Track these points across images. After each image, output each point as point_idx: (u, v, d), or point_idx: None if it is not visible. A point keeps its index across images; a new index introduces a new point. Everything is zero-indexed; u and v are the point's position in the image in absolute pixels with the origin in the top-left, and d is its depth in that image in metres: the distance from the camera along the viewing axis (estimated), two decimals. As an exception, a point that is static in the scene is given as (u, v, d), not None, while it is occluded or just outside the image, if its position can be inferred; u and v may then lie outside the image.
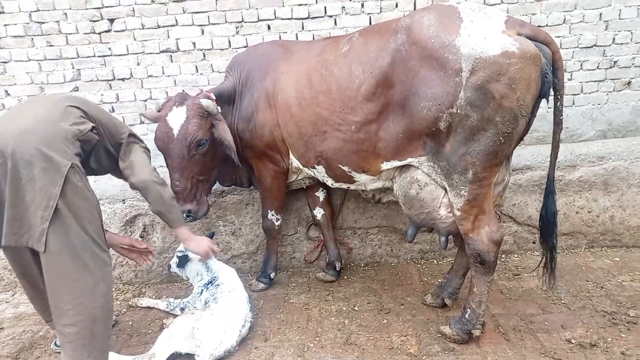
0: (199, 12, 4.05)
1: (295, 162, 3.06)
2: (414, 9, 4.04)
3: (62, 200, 2.04)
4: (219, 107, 2.94)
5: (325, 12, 4.04)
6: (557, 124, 2.38)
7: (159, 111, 2.90)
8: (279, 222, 3.34)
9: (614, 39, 4.04)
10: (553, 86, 2.25)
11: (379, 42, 2.43)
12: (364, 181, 2.80)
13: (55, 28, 4.07)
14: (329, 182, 2.97)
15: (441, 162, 2.34)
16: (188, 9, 4.05)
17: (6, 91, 4.19)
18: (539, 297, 3.00)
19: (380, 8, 4.04)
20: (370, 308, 3.02)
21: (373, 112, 2.44)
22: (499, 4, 4.01)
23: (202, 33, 4.10)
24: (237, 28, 4.10)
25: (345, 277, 3.48)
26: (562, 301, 2.92)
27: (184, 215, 2.79)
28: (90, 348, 2.13)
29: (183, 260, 2.97)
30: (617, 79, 4.12)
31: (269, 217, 3.30)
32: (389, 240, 3.69)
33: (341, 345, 2.63)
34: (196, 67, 4.17)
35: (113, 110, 4.20)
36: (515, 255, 3.60)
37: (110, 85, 4.21)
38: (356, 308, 3.03)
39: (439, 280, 3.19)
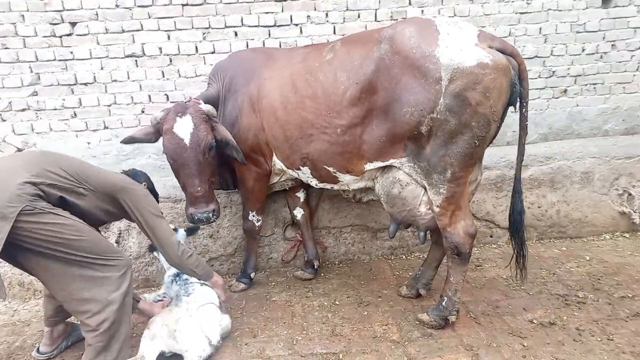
0: (165, 18, 4.07)
1: (279, 164, 3.15)
2: (375, 19, 4.29)
3: (32, 240, 2.13)
4: None
5: (291, 20, 4.19)
6: (523, 129, 2.64)
7: (156, 124, 2.90)
8: (259, 223, 3.44)
9: (552, 51, 4.48)
10: (519, 94, 2.51)
11: (362, 50, 2.60)
12: (348, 181, 2.95)
13: (11, 30, 3.92)
14: (314, 182, 3.10)
15: (422, 163, 2.55)
16: (154, 14, 4.06)
17: (-42, 95, 3.97)
18: (501, 284, 3.28)
19: (344, 18, 4.25)
20: (350, 302, 3.17)
21: (358, 116, 2.60)
22: (452, 16, 4.34)
23: (169, 38, 4.12)
24: (204, 34, 4.16)
25: (322, 274, 3.63)
26: (522, 287, 3.22)
27: (211, 214, 2.95)
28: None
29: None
30: (556, 87, 4.57)
31: (249, 218, 3.39)
32: (361, 238, 3.87)
33: (328, 336, 2.77)
34: (162, 72, 4.18)
35: (75, 115, 4.11)
36: (475, 249, 3.90)
37: (72, 89, 4.11)
38: (337, 302, 3.17)
39: (411, 274, 3.40)
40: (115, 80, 4.15)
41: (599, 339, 2.59)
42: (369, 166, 2.75)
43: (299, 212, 3.59)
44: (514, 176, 2.74)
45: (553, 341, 2.60)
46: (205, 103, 3.03)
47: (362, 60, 2.57)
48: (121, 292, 2.34)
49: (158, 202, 2.81)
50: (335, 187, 3.09)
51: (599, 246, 3.84)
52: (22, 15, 3.92)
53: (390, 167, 2.71)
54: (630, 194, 3.99)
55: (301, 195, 3.58)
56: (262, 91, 3.01)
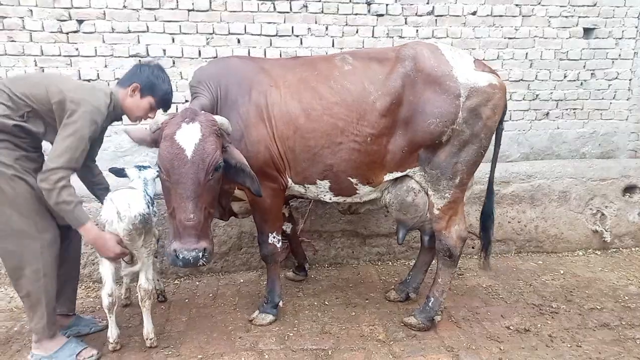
0: (170, 21, 4.20)
1: (287, 179, 2.95)
2: (372, 35, 4.50)
3: None
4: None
5: (293, 31, 4.37)
6: (498, 143, 3.00)
7: (155, 131, 2.50)
8: (280, 244, 3.08)
9: (536, 75, 4.76)
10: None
11: (383, 66, 2.78)
12: (364, 193, 2.96)
13: (18, 24, 4.01)
14: (328, 196, 2.98)
15: (433, 171, 2.78)
16: (160, 17, 4.19)
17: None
18: (481, 293, 3.48)
19: (343, 32, 4.45)
20: (339, 302, 3.33)
21: (386, 127, 2.74)
22: (445, 37, 4.58)
23: (173, 41, 4.25)
24: (207, 39, 4.30)
25: (312, 276, 3.78)
26: (500, 296, 3.43)
27: (200, 254, 2.39)
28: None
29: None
30: (538, 110, 4.84)
31: (269, 241, 3.00)
32: (350, 243, 4.04)
33: (317, 334, 2.92)
34: (165, 73, 4.28)
35: (77, 110, 4.19)
36: (458, 259, 4.10)
37: (75, 85, 4.19)
38: (326, 302, 3.33)
39: (397, 279, 3.59)
40: (117, 78, 4.23)
41: (569, 346, 2.79)
42: (387, 177, 2.89)
43: (287, 227, 3.53)
44: (488, 179, 3.12)
45: (527, 346, 2.79)
46: None
47: (387, 74, 2.75)
48: (34, 269, 2.47)
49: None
50: (349, 200, 3.02)
51: (573, 261, 4.09)
52: (31, 10, 4.01)
53: (403, 177, 2.91)
54: (603, 214, 4.25)
55: (285, 211, 3.48)
56: (271, 99, 2.78)
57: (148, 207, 2.69)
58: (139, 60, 3.13)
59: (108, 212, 2.56)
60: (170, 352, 2.71)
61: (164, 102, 2.84)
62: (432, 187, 2.83)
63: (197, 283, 3.68)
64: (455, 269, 2.93)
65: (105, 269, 2.66)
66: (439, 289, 2.94)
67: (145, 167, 3.07)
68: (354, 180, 2.86)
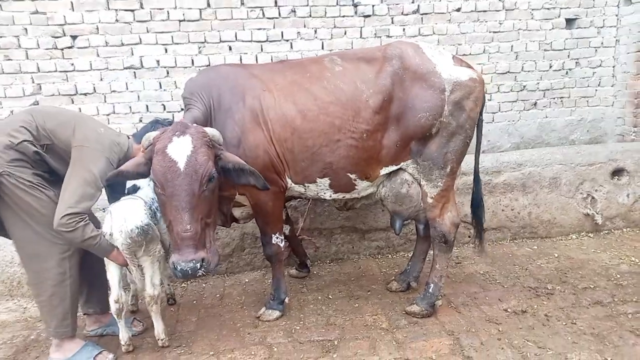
0: (163, 32, 4.31)
1: (286, 181, 3.02)
2: (360, 36, 4.62)
3: (4, 201, 2.50)
4: None
5: (282, 36, 4.49)
6: (480, 134, 3.18)
7: (148, 147, 2.54)
8: (283, 244, 3.17)
9: (522, 67, 4.89)
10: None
11: (371, 66, 2.91)
12: (362, 188, 3.08)
13: (14, 42, 4.10)
14: (328, 194, 3.07)
15: (425, 162, 2.92)
16: (152, 29, 4.29)
17: (-40, 103, 4.12)
18: (478, 279, 3.59)
19: (332, 35, 4.57)
20: (342, 296, 3.44)
21: (379, 123, 2.87)
22: (431, 34, 4.70)
23: (166, 51, 4.36)
24: (199, 48, 4.41)
25: (315, 272, 3.89)
26: (497, 281, 3.54)
27: (199, 265, 2.42)
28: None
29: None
30: (526, 100, 4.98)
31: (273, 241, 3.10)
32: (350, 239, 4.15)
33: (323, 326, 3.03)
34: (160, 83, 4.41)
35: (76, 124, 4.29)
36: (455, 248, 4.20)
37: (72, 99, 4.31)
38: (330, 296, 3.44)
39: (397, 270, 3.70)
40: (114, 91, 4.36)
41: (564, 324, 2.91)
42: (383, 171, 3.01)
43: (286, 229, 3.57)
44: (474, 168, 3.30)
45: (525, 326, 2.91)
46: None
47: (376, 73, 2.88)
48: (59, 271, 2.62)
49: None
50: (347, 196, 3.12)
51: (566, 245, 4.21)
52: (25, 29, 4.11)
53: (397, 170, 3.04)
54: (593, 198, 4.38)
55: (283, 214, 3.45)
56: (266, 103, 2.84)
57: (149, 217, 2.71)
58: (155, 119, 3.25)
59: (107, 225, 2.63)
60: (182, 351, 2.81)
61: None
62: (425, 177, 2.96)
63: (204, 285, 3.79)
64: (451, 254, 3.08)
65: (112, 275, 2.75)
66: (437, 275, 3.07)
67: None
68: (352, 176, 2.97)
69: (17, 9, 4.03)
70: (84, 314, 3.04)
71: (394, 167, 3.02)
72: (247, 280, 3.85)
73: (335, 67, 2.94)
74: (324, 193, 3.08)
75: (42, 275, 2.61)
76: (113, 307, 2.72)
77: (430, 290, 3.07)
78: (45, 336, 2.98)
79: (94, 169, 2.52)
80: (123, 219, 2.60)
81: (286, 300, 3.22)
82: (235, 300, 3.46)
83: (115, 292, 2.73)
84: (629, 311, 3.01)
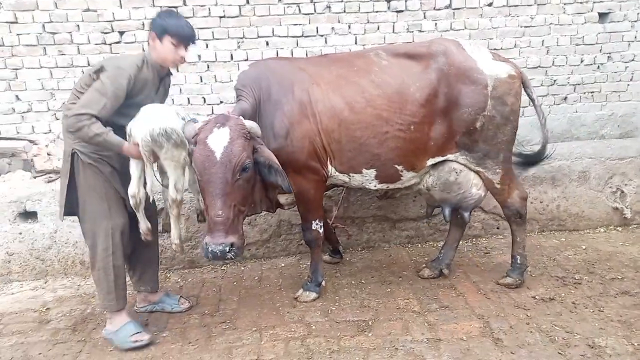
0: (204, 28, 4.51)
1: (329, 169, 3.15)
2: (393, 31, 4.74)
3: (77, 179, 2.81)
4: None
5: (317, 31, 4.64)
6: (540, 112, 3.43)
7: (194, 136, 2.68)
8: (322, 230, 3.33)
9: (553, 61, 4.93)
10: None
11: (416, 61, 3.07)
12: (407, 178, 3.22)
13: (67, 38, 4.37)
14: (373, 184, 3.21)
15: (477, 153, 3.13)
16: (194, 25, 4.44)
17: (16, 96, 4.41)
18: (507, 267, 3.68)
19: (365, 30, 4.70)
20: (374, 281, 3.62)
21: (425, 115, 3.04)
22: (463, 29, 4.79)
23: (207, 47, 4.57)
24: (238, 43, 4.61)
25: (347, 259, 4.07)
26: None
27: (227, 249, 2.61)
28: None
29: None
30: (556, 95, 5.02)
31: (313, 227, 3.26)
32: (381, 227, 4.31)
33: (357, 307, 3.22)
34: (200, 77, 4.63)
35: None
36: (484, 239, 4.35)
37: (119, 92, 4.54)
38: (363, 281, 3.62)
39: (427, 259, 3.85)
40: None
41: (592, 311, 3.02)
42: (429, 162, 3.17)
43: None
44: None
45: (552, 312, 3.03)
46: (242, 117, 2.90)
47: (422, 68, 3.05)
48: (104, 247, 2.82)
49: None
50: (391, 186, 3.27)
51: (594, 238, 4.28)
52: (78, 25, 4.37)
53: (444, 161, 3.20)
54: (622, 192, 4.42)
55: None
56: (314, 95, 2.98)
57: (177, 124, 2.70)
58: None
59: (134, 120, 2.68)
60: (227, 326, 3.04)
61: (182, 36, 2.85)
62: (482, 167, 3.18)
63: (242, 268, 4.01)
64: (526, 225, 3.40)
65: (132, 170, 2.76)
66: (520, 247, 3.37)
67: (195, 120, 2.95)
68: (399, 167, 3.13)
69: (71, 6, 4.28)
70: (137, 291, 3.28)
71: (441, 158, 3.18)
72: (283, 264, 4.05)
73: (382, 61, 3.10)
74: (369, 183, 3.22)
75: (93, 250, 2.86)
76: (131, 201, 2.76)
77: (519, 261, 3.36)
78: (99, 310, 3.24)
79: (105, 80, 2.65)
80: (149, 116, 2.67)
81: (323, 283, 3.40)
82: (273, 283, 3.67)
83: (133, 187, 2.74)
84: (656, 301, 3.10)
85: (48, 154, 4.19)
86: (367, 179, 3.18)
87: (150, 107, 2.78)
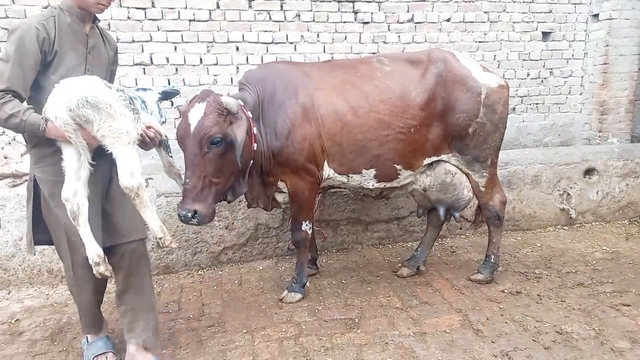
0: (173, 31, 4.46)
1: (326, 172, 3.25)
2: (359, 41, 4.92)
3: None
4: (247, 111, 2.94)
5: (287, 39, 4.73)
6: None
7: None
8: (311, 231, 3.42)
9: (504, 75, 5.33)
10: None
11: (417, 68, 3.26)
12: (405, 177, 3.37)
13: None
14: (371, 183, 3.32)
15: (467, 156, 3.35)
16: (163, 27, 4.44)
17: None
18: (474, 265, 3.95)
19: (333, 39, 4.85)
20: (354, 280, 3.73)
21: (425, 118, 3.22)
22: (423, 42, 5.06)
23: (176, 50, 4.51)
24: (208, 47, 4.59)
25: (324, 260, 4.15)
26: (491, 267, 3.91)
27: (190, 215, 2.68)
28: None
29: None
30: (507, 106, 5.41)
31: (302, 228, 3.32)
32: (354, 229, 4.44)
33: (342, 306, 3.31)
34: (168, 80, 4.55)
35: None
36: (449, 239, 4.60)
37: (82, 93, 4.36)
38: (343, 281, 3.72)
39: (399, 258, 4.02)
40: (123, 86, 4.44)
41: (555, 302, 3.31)
42: (425, 161, 3.36)
43: None
44: None
45: (522, 304, 3.29)
46: (242, 102, 2.93)
47: (421, 74, 3.25)
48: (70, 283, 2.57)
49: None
50: (388, 184, 3.39)
51: (546, 236, 4.67)
52: (37, 22, 4.15)
53: (438, 161, 3.41)
54: (568, 194, 4.87)
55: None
56: (318, 100, 3.09)
57: (101, 92, 2.11)
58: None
59: (49, 98, 2.13)
60: (216, 330, 3.02)
61: None
62: (470, 169, 3.41)
63: (220, 272, 3.97)
64: (502, 228, 3.64)
65: (66, 159, 2.22)
66: (495, 247, 3.61)
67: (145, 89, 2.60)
68: (398, 167, 3.29)
69: (29, 3, 4.07)
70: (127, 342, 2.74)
71: (435, 158, 3.39)
72: (261, 267, 4.06)
73: (385, 67, 3.27)
74: (367, 183, 3.34)
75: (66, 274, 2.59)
76: (66, 207, 2.14)
77: (492, 260, 3.60)
78: (76, 320, 3.07)
79: (7, 45, 2.19)
80: (62, 90, 2.11)
81: (307, 284, 3.47)
82: (254, 286, 3.68)
83: (67, 187, 2.14)
84: (607, 290, 3.45)
85: (5, 157, 3.94)
86: (366, 178, 3.31)
87: (67, 79, 2.19)
